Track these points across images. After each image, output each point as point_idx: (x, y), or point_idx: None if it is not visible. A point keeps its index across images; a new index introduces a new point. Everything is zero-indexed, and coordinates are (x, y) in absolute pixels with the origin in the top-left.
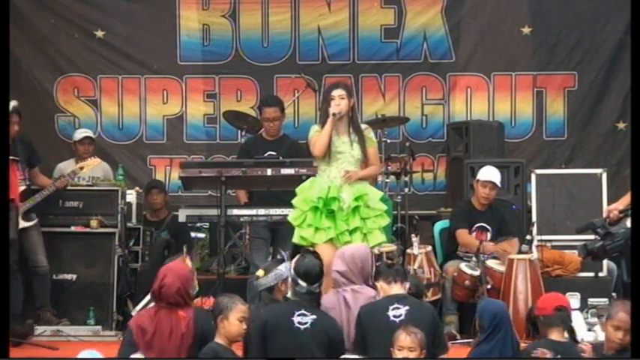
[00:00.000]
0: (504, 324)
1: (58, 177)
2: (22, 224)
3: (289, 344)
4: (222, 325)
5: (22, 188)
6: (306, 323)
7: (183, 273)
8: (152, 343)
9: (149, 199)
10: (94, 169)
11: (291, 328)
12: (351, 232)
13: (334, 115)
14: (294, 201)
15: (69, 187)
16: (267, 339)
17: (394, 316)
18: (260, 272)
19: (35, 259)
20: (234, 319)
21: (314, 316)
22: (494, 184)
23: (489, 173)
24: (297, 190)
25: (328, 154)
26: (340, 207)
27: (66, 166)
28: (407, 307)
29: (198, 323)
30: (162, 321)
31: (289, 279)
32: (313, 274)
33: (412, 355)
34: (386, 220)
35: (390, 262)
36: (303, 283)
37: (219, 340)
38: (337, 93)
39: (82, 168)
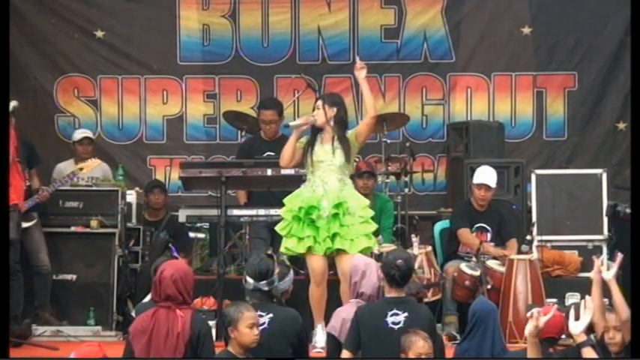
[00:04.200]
0: (482, 323)
1: (42, 188)
2: (23, 224)
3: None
4: (233, 335)
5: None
6: (263, 323)
7: (182, 267)
8: (150, 344)
9: (151, 198)
10: (93, 170)
11: None
12: (332, 238)
13: (287, 126)
14: (280, 211)
15: (69, 188)
16: None
17: (393, 323)
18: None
19: (38, 258)
20: (244, 328)
21: (270, 315)
22: (487, 186)
23: (482, 175)
24: (285, 200)
25: (311, 163)
26: (320, 215)
27: (66, 166)
28: (406, 314)
29: (194, 324)
30: (160, 320)
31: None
32: (257, 270)
33: None
34: (372, 227)
35: (400, 262)
36: (250, 280)
37: (230, 349)
38: (317, 104)
39: (81, 169)
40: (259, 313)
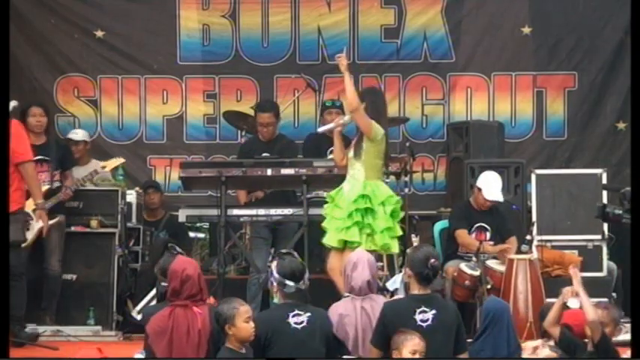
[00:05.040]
0: (497, 322)
1: (65, 187)
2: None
3: (290, 346)
4: (231, 332)
5: (46, 187)
6: (302, 322)
7: (196, 264)
8: (171, 344)
9: (146, 198)
10: (113, 168)
11: (288, 330)
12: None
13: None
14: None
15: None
16: (267, 346)
17: (421, 321)
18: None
19: (48, 260)
20: (241, 323)
21: (309, 314)
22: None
23: (492, 191)
24: None
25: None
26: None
27: None
28: (434, 311)
29: (213, 319)
30: (179, 319)
31: (273, 283)
32: (294, 271)
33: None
34: (340, 222)
35: (434, 261)
36: (291, 283)
37: (229, 345)
38: None
39: (104, 167)
40: (297, 312)
